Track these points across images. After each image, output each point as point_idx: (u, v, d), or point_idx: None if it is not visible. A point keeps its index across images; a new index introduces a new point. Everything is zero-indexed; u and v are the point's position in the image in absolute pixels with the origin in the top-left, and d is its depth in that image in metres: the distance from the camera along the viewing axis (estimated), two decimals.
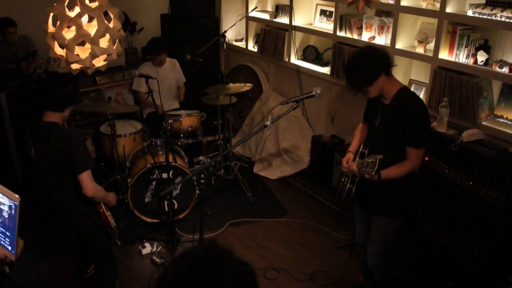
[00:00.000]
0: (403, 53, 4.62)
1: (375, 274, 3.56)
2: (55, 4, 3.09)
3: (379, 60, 3.00)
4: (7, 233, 2.06)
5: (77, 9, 3.14)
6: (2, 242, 2.08)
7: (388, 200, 3.24)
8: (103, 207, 3.45)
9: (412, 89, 4.65)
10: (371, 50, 3.08)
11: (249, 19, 6.56)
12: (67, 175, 3.24)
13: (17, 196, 1.99)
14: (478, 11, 3.91)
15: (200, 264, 1.28)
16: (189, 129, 5.29)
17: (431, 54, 4.35)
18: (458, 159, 3.53)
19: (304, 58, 5.94)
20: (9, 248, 2.06)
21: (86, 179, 3.18)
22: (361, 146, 3.33)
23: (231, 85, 5.45)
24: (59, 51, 3.12)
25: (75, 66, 3.14)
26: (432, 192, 3.71)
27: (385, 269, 3.55)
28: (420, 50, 4.49)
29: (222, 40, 5.89)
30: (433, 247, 3.72)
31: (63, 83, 3.20)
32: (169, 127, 5.05)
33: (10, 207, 2.02)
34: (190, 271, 1.27)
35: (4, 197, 2.04)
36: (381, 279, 3.59)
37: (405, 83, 4.74)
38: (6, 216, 2.04)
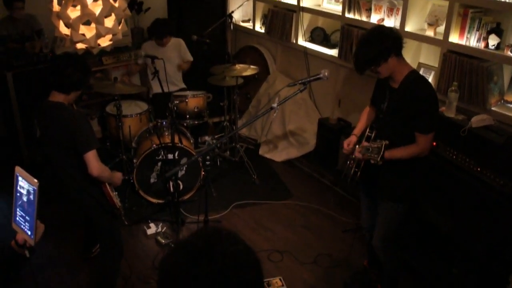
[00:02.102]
0: (412, 36, 4.55)
1: (380, 256, 3.56)
2: None
3: (390, 40, 2.97)
4: (26, 217, 2.05)
5: None
6: (22, 226, 2.08)
7: (394, 184, 3.22)
8: (108, 187, 3.45)
9: (421, 72, 4.58)
10: (383, 29, 3.05)
11: None
12: (72, 155, 3.24)
13: (35, 180, 1.97)
14: None
15: (200, 255, 1.23)
16: (195, 110, 5.26)
17: (441, 37, 4.28)
18: (466, 145, 3.50)
19: (312, 40, 5.88)
20: (29, 233, 2.06)
21: (92, 158, 3.17)
22: (367, 129, 3.30)
23: (237, 66, 5.40)
24: (64, 30, 3.09)
25: (80, 45, 3.11)
26: (439, 178, 3.68)
27: (390, 251, 3.54)
28: (430, 33, 4.42)
29: (229, 20, 5.84)
30: (439, 233, 3.70)
31: (73, 66, 3.18)
32: (175, 108, 5.02)
33: (28, 191, 2.02)
34: (190, 263, 1.23)
35: (23, 180, 2.04)
36: (386, 261, 3.58)
37: (414, 66, 4.68)
38: (25, 200, 2.04)
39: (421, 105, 2.98)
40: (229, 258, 1.23)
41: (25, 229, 2.07)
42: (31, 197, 2.00)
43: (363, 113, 3.55)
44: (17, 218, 2.10)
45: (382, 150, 2.93)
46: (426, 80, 3.16)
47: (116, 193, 3.60)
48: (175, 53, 5.67)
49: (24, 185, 2.03)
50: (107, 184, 3.43)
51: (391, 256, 3.57)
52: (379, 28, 3.08)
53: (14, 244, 2.12)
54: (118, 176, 3.53)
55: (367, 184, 3.43)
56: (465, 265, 3.53)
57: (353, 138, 3.36)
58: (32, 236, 2.04)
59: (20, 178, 2.06)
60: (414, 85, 3.03)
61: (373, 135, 3.23)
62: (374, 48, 2.96)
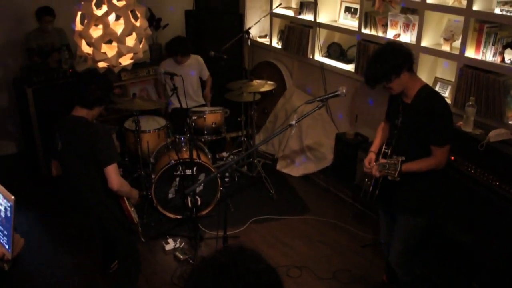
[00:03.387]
0: (428, 51, 4.57)
1: (398, 272, 3.55)
2: (83, 3, 3.13)
3: (402, 56, 3.00)
4: (5, 232, 2.09)
5: (104, 8, 3.17)
6: (1, 240, 2.12)
7: (412, 199, 3.22)
8: (126, 202, 3.49)
9: (437, 87, 4.60)
10: (395, 45, 3.09)
11: (273, 15, 6.55)
12: (93, 168, 3.30)
13: (12, 197, 2.01)
14: (506, 8, 3.85)
15: (225, 272, 1.26)
16: (213, 125, 5.31)
17: (457, 52, 4.29)
18: (484, 159, 3.49)
19: (328, 55, 5.91)
20: (7, 247, 2.09)
21: (112, 172, 3.23)
22: (384, 146, 3.31)
23: (255, 82, 5.45)
24: (86, 49, 3.16)
25: (101, 64, 3.18)
26: (458, 192, 3.67)
27: (408, 267, 3.53)
28: (446, 48, 4.44)
29: (246, 36, 5.89)
30: (458, 247, 3.69)
31: (95, 82, 3.27)
32: (193, 124, 5.07)
33: (5, 208, 2.05)
34: (215, 280, 1.25)
35: (1, 196, 2.07)
36: (403, 277, 3.57)
37: (431, 81, 4.70)
38: (3, 216, 2.07)
39: (435, 118, 3.00)
40: (253, 277, 1.26)
41: (4, 243, 2.10)
42: (8, 213, 2.03)
43: (379, 129, 3.57)
44: None
45: (399, 166, 2.94)
46: (439, 94, 3.18)
47: (134, 208, 3.64)
48: (193, 70, 5.73)
49: (2, 202, 2.07)
50: (125, 199, 3.48)
51: (409, 271, 3.56)
52: (391, 44, 3.12)
53: None
54: (136, 192, 3.59)
55: (385, 199, 3.43)
56: (485, 279, 3.51)
57: (371, 156, 3.37)
58: (9, 250, 2.08)
59: None
60: (427, 99, 3.05)
61: (389, 151, 3.24)
62: (387, 64, 2.99)
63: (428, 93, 3.09)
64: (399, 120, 3.18)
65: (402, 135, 3.17)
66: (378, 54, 3.09)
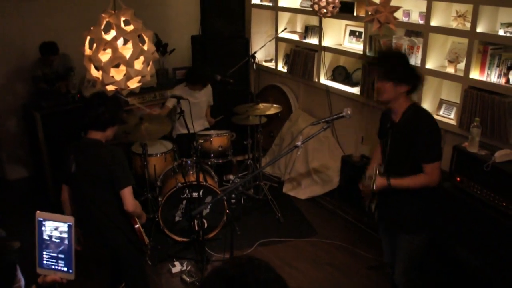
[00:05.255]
0: (433, 73, 4.61)
1: None
2: (92, 28, 3.19)
3: (410, 72, 3.08)
4: (60, 256, 2.10)
5: (112, 33, 3.23)
6: (54, 267, 2.13)
7: (408, 217, 3.25)
8: (138, 223, 3.51)
9: (442, 109, 4.62)
10: (410, 65, 3.18)
11: (278, 40, 6.63)
12: (107, 190, 3.33)
13: (71, 217, 2.05)
14: (510, 30, 3.89)
15: (235, 283, 1.28)
16: (220, 149, 5.34)
17: (461, 74, 4.33)
18: (490, 180, 3.49)
19: (334, 78, 5.96)
20: (65, 269, 2.11)
21: (128, 194, 3.28)
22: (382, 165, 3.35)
23: (261, 105, 5.49)
24: (95, 73, 3.22)
25: (110, 87, 3.23)
26: (464, 213, 3.67)
27: (413, 286, 3.50)
28: (450, 70, 4.47)
29: (252, 60, 5.95)
30: (466, 269, 3.67)
31: (104, 104, 3.31)
32: (199, 147, 5.10)
33: (61, 231, 2.08)
34: None
35: (53, 222, 2.09)
36: None
37: (436, 103, 4.73)
38: (57, 240, 2.10)
39: (422, 135, 3.04)
40: (262, 286, 1.27)
41: (60, 268, 2.12)
42: (65, 234, 2.06)
43: (375, 151, 3.61)
44: (44, 262, 2.15)
45: (374, 176, 3.09)
46: (426, 111, 3.22)
47: (143, 229, 3.65)
48: (204, 96, 5.79)
49: (52, 226, 2.09)
50: (136, 219, 3.50)
51: None
52: (410, 64, 3.18)
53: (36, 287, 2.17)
54: (144, 215, 3.61)
55: (385, 218, 3.44)
56: None
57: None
58: (70, 271, 2.10)
59: (45, 223, 2.11)
60: (413, 117, 3.09)
61: (382, 169, 3.28)
62: (398, 66, 3.08)
63: (415, 110, 3.13)
64: (389, 139, 3.22)
65: (393, 154, 3.21)
66: (402, 54, 3.25)
